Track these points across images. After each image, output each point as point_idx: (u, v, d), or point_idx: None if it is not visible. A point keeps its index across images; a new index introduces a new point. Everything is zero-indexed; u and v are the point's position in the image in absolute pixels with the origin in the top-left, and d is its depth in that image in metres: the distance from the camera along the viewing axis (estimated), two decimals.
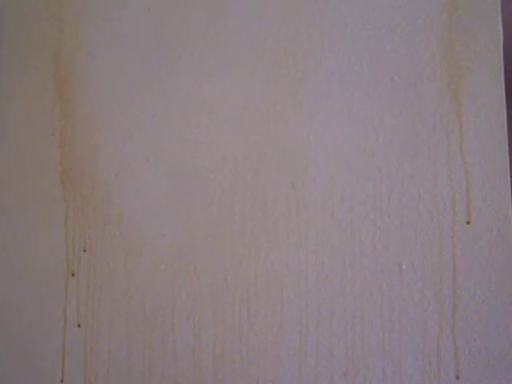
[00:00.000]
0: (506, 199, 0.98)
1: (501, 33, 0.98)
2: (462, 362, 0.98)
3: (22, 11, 1.35)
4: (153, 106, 1.23)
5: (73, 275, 1.23)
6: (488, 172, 0.99)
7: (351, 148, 1.07)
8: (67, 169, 1.27)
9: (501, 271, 0.97)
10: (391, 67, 1.04)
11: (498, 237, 0.98)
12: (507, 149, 0.99)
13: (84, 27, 1.29)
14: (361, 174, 1.05)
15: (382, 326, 1.02)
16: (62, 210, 1.26)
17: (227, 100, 1.17)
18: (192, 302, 1.15)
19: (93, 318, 1.21)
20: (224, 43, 1.18)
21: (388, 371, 1.02)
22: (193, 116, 1.20)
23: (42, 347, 1.24)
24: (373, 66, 1.05)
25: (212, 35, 1.19)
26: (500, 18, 0.99)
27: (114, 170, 1.24)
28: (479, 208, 0.99)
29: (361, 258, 1.05)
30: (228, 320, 1.13)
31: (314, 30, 1.10)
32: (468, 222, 0.99)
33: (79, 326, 1.22)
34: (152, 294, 1.18)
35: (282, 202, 1.11)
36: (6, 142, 1.33)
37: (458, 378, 0.98)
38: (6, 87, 1.35)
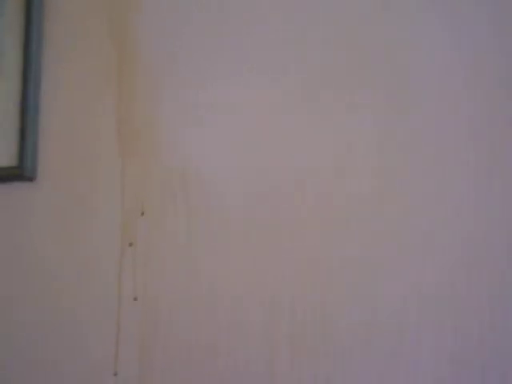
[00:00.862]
0: None
1: None
2: None
3: None
4: (220, 52, 1.06)
5: (130, 245, 1.07)
6: None
7: None
8: (123, 120, 1.11)
9: None
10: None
11: None
12: None
13: None
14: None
15: None
16: (118, 168, 1.10)
17: None
18: (269, 275, 0.98)
19: (151, 291, 1.06)
20: None
21: None
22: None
23: (95, 322, 1.10)
24: None
25: None
26: None
27: (177, 123, 1.07)
28: None
29: None
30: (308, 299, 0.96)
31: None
32: None
33: (136, 299, 1.06)
34: (221, 264, 1.02)
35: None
36: (59, 92, 1.18)
37: None
38: (59, 42, 1.19)
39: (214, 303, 1.01)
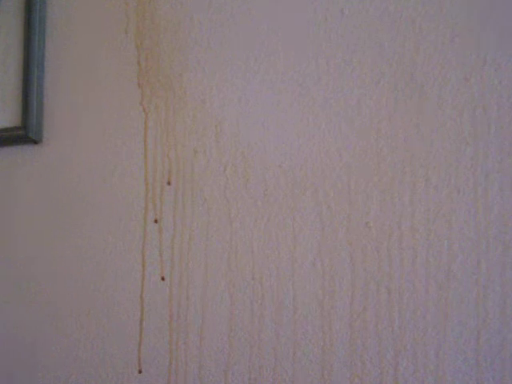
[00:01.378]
0: None
1: None
2: None
3: None
4: None
5: (155, 222, 0.91)
6: None
7: None
8: (146, 69, 0.94)
9: None
10: None
11: None
12: None
13: None
14: None
15: None
16: (139, 126, 0.93)
17: None
18: (318, 243, 0.82)
19: (180, 269, 0.90)
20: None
21: None
22: None
23: (116, 307, 0.93)
24: None
25: None
26: None
27: (209, 70, 0.91)
28: None
29: None
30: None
31: None
32: None
33: (163, 279, 0.90)
34: (261, 236, 0.85)
35: None
36: (68, 42, 1.01)
37: None
38: None
39: (256, 283, 0.85)
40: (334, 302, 0.81)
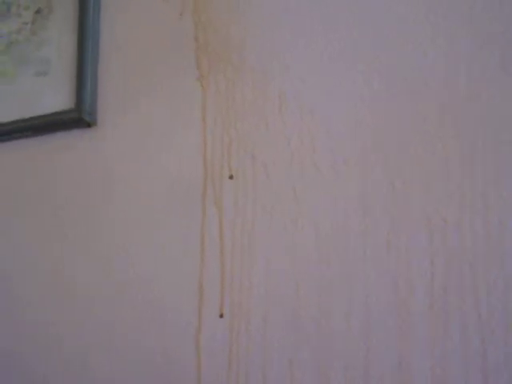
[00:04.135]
0: None
1: None
2: None
3: None
4: None
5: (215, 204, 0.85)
6: None
7: None
8: (204, 44, 0.90)
9: None
10: None
11: None
12: None
13: None
14: None
15: None
16: (198, 102, 0.89)
17: None
18: (392, 218, 0.75)
19: (242, 254, 0.84)
20: None
21: None
22: None
23: (176, 288, 0.88)
24: None
25: None
26: None
27: (269, 37, 0.86)
28: None
29: None
30: None
31: None
32: None
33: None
34: (328, 213, 0.78)
35: None
36: (122, 21, 0.98)
37: None
38: None
39: (324, 266, 0.78)
40: (412, 283, 0.73)
